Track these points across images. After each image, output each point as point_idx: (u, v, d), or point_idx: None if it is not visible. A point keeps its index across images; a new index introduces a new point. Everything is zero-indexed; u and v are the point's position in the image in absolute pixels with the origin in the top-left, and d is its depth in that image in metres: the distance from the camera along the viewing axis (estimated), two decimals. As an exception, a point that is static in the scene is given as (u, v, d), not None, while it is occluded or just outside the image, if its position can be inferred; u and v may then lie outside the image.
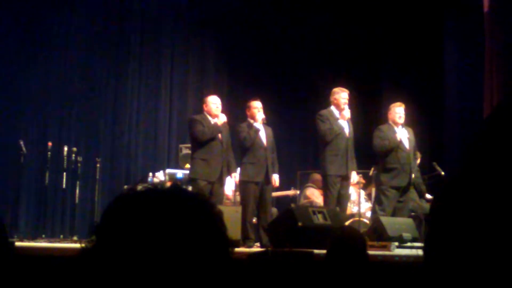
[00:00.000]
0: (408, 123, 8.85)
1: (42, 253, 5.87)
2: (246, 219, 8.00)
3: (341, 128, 8.32)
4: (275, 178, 8.44)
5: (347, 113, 8.37)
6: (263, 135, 8.37)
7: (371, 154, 8.93)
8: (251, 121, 8.38)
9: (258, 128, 8.33)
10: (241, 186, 8.40)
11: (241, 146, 8.37)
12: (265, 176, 8.24)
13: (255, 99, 8.49)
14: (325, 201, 8.39)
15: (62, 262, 4.31)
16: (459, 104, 11.33)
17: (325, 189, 8.42)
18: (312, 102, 10.70)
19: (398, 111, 8.66)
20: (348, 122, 8.43)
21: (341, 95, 8.47)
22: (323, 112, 8.45)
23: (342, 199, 8.30)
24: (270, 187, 8.39)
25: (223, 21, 12.01)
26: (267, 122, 8.58)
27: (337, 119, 8.35)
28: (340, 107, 8.41)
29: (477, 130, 0.90)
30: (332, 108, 8.47)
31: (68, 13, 10.69)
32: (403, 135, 8.61)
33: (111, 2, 11.12)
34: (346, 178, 8.31)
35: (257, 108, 8.38)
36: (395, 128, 8.61)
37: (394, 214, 8.38)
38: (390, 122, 8.70)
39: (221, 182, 8.20)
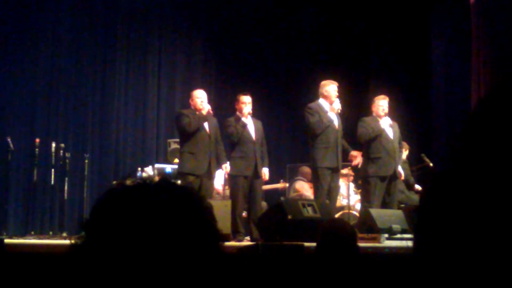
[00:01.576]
0: (394, 116, 8.85)
1: (32, 250, 5.84)
2: (236, 213, 8.00)
3: (331, 121, 8.31)
4: (265, 172, 8.44)
5: (337, 105, 8.34)
6: (251, 129, 8.36)
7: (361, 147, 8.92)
8: (239, 115, 8.37)
9: (245, 123, 8.31)
10: (230, 180, 8.40)
11: (229, 141, 8.37)
12: (254, 169, 8.24)
13: (245, 93, 8.46)
14: (315, 193, 8.38)
15: (52, 259, 4.29)
16: (446, 95, 11.37)
17: (315, 182, 8.40)
18: (301, 95, 10.70)
19: (381, 104, 8.62)
20: (337, 114, 8.42)
21: (331, 87, 8.45)
22: (312, 105, 8.44)
23: (332, 191, 8.30)
24: (260, 180, 8.38)
25: (211, 14, 11.98)
26: (256, 116, 8.57)
27: (327, 112, 8.34)
28: (331, 99, 8.39)
29: (465, 120, 0.90)
30: (321, 100, 8.46)
31: (54, 8, 10.60)
32: (387, 125, 8.58)
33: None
34: (336, 171, 8.30)
35: (245, 102, 8.36)
36: (379, 119, 8.61)
37: (383, 206, 8.37)
38: (374, 114, 8.69)
39: (210, 176, 8.20)
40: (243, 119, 8.31)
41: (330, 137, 8.25)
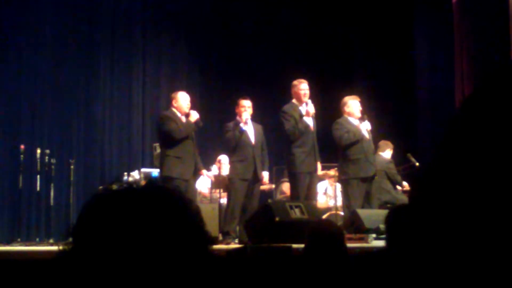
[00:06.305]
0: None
1: (19, 257, 5.81)
2: (232, 216, 7.92)
3: (307, 125, 8.17)
4: (264, 175, 8.37)
5: (311, 108, 8.19)
6: (251, 133, 8.24)
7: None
8: (239, 119, 8.28)
9: (243, 129, 8.17)
10: (230, 183, 8.25)
11: (227, 146, 8.30)
12: (254, 173, 8.14)
13: (244, 98, 8.35)
14: (293, 198, 8.16)
15: (39, 266, 4.27)
16: (431, 94, 11.42)
17: (292, 186, 8.26)
18: (286, 97, 10.69)
19: (356, 105, 8.43)
20: (312, 117, 8.26)
21: (300, 86, 8.28)
22: (286, 108, 8.27)
23: (311, 192, 8.17)
24: (259, 184, 8.30)
25: (195, 18, 11.95)
26: (256, 120, 8.51)
27: (302, 115, 8.18)
28: (301, 99, 8.28)
29: (451, 119, 0.90)
30: (294, 101, 8.36)
31: (38, 11, 10.55)
32: (364, 128, 8.49)
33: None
34: (314, 171, 8.23)
35: (244, 106, 8.26)
36: (351, 120, 8.42)
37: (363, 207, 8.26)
38: (346, 115, 8.46)
39: (194, 180, 8.17)
40: (241, 124, 8.23)
41: (307, 140, 8.12)
